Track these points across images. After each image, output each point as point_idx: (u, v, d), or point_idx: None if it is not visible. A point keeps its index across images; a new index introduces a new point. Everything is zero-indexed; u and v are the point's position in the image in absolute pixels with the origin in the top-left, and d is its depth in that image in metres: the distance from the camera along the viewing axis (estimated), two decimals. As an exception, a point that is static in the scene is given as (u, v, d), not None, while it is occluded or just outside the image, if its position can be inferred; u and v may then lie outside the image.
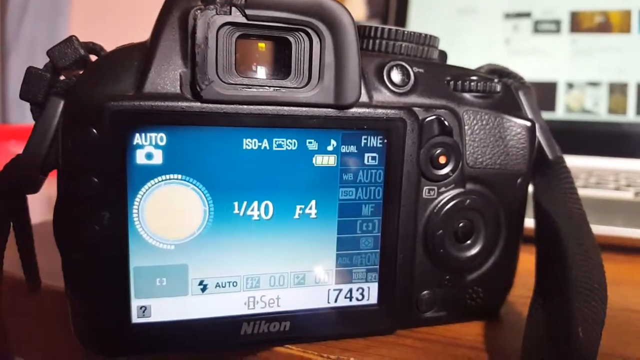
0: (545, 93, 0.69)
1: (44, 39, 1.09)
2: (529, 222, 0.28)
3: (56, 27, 1.11)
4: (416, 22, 0.71)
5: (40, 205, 0.26)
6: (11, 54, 1.08)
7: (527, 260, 0.29)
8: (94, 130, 0.21)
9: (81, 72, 0.23)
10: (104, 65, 0.22)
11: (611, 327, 0.22)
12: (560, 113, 0.69)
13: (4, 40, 1.09)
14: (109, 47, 0.25)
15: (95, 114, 0.21)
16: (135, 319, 0.23)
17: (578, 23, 0.69)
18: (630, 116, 0.66)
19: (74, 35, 0.23)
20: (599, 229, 0.25)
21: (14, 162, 0.23)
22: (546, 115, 0.29)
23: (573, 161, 0.29)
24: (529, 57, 0.70)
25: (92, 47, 0.24)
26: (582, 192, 0.28)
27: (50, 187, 0.25)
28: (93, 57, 0.24)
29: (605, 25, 0.68)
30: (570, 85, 0.69)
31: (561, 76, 0.69)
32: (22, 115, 1.07)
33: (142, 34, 0.23)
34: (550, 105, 0.68)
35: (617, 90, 0.67)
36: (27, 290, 0.26)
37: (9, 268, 0.25)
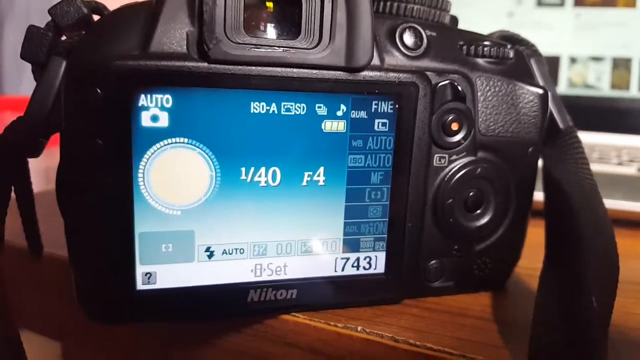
0: (548, 67, 0.68)
1: (38, 6, 1.07)
2: (537, 196, 0.28)
3: (51, -4, 1.09)
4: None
5: (38, 176, 0.25)
6: (5, 23, 1.06)
7: (534, 233, 0.28)
8: (98, 91, 0.20)
9: (84, 32, 0.22)
10: (108, 24, 0.22)
11: (617, 299, 0.22)
12: (562, 87, 0.68)
13: (-2, 8, 1.07)
14: (110, 6, 0.24)
15: (99, 74, 0.20)
16: (140, 285, 0.22)
17: (583, -3, 0.68)
18: (633, 92, 0.65)
19: (76, -7, 0.22)
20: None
21: (14, 125, 0.22)
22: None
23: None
24: (532, 30, 0.69)
25: (95, 6, 0.23)
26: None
27: (47, 158, 0.25)
28: (95, 17, 0.23)
29: (610, -1, 0.67)
30: (573, 60, 0.68)
31: (564, 50, 0.68)
32: (17, 87, 1.05)
33: None
34: (553, 80, 0.67)
35: (621, 65, 0.67)
36: (29, 259, 0.26)
37: (11, 237, 0.24)
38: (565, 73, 0.68)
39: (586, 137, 0.61)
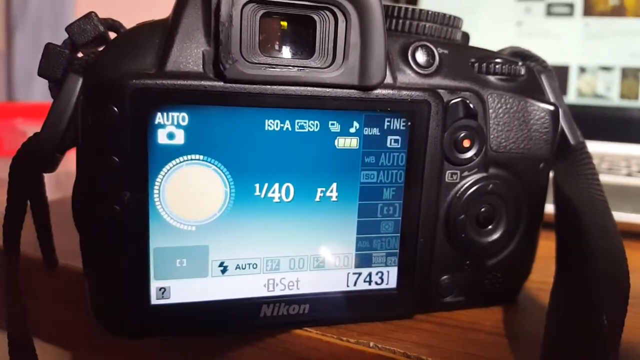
0: (557, 77, 0.68)
1: (49, 16, 1.08)
2: (547, 208, 0.28)
3: (62, 5, 1.10)
4: (427, 1, 0.70)
5: (48, 184, 0.26)
6: (17, 31, 1.07)
7: (544, 246, 0.28)
8: (115, 109, 0.20)
9: (100, 49, 0.22)
10: (124, 42, 0.22)
11: (627, 315, 0.22)
12: (571, 97, 0.68)
13: (10, 17, 1.08)
14: (126, 24, 0.24)
15: (116, 92, 0.20)
16: (154, 300, 0.22)
17: (592, 6, 0.68)
18: (642, 102, 0.65)
19: (93, 12, 0.22)
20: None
21: (31, 141, 0.23)
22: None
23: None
24: (540, 40, 0.69)
25: (112, 24, 0.23)
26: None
27: (60, 166, 0.25)
28: (112, 34, 0.23)
29: (619, 9, 0.67)
30: (582, 70, 0.68)
31: (573, 60, 0.68)
32: (28, 93, 1.06)
33: (151, 12, 0.23)
34: (562, 89, 0.67)
35: (630, 75, 0.67)
36: (44, 270, 0.26)
37: (26, 248, 0.24)
38: (574, 83, 0.68)
39: (595, 147, 0.61)
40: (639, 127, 0.65)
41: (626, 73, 0.67)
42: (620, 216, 0.41)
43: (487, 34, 0.69)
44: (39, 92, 1.05)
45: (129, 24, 0.24)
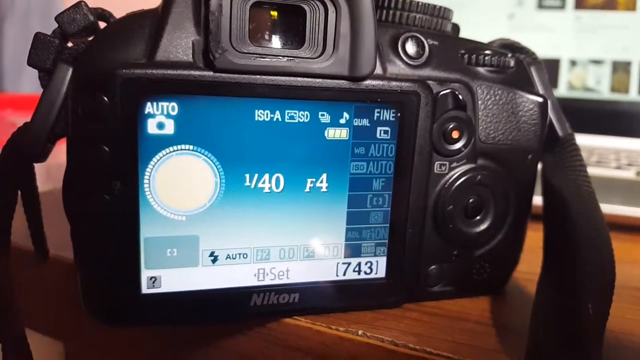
0: (548, 70, 0.69)
1: (39, 5, 1.07)
2: (536, 200, 0.28)
3: (52, -7, 1.09)
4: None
5: (39, 176, 0.26)
6: (6, 20, 1.06)
7: (532, 238, 0.29)
8: (105, 99, 0.20)
9: (90, 39, 0.22)
10: (114, 32, 0.22)
11: (613, 304, 0.22)
12: (562, 90, 0.68)
13: (-1, 6, 1.07)
14: (116, 14, 0.24)
15: (106, 82, 0.20)
16: (145, 289, 0.23)
17: (583, -1, 0.68)
18: (632, 95, 0.66)
19: (82, 1, 0.22)
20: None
21: (21, 130, 0.23)
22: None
23: (574, 139, 0.29)
24: (532, 33, 0.70)
25: (102, 14, 0.23)
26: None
27: (50, 157, 0.25)
28: (102, 24, 0.23)
29: (610, 2, 0.67)
30: (573, 63, 0.69)
31: (564, 53, 0.69)
32: (17, 84, 1.05)
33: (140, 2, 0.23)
34: (553, 83, 0.68)
35: (620, 68, 0.67)
36: (35, 261, 0.26)
37: (17, 239, 0.24)
38: (565, 76, 0.69)
39: (585, 140, 0.62)
40: (629, 120, 0.65)
41: (617, 67, 0.67)
42: (609, 208, 0.41)
43: (479, 26, 0.69)
44: (28, 83, 1.04)
45: (118, 13, 0.24)
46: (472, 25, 0.70)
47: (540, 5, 0.70)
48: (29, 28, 1.06)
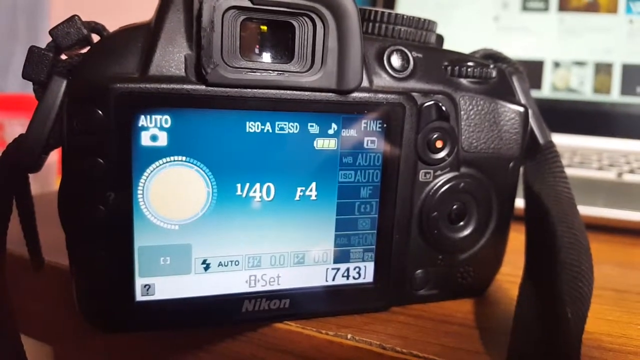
0: (532, 71, 0.70)
1: (25, 3, 1.07)
2: (519, 202, 0.29)
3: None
4: (407, -2, 0.71)
5: (35, 180, 0.26)
6: (-8, 20, 1.05)
7: (514, 239, 0.30)
8: (99, 112, 0.21)
9: (84, 52, 0.23)
10: (108, 45, 0.22)
11: (593, 305, 0.23)
12: (546, 91, 0.70)
13: (-16, 5, 1.06)
14: (109, 27, 0.25)
15: (100, 96, 0.21)
16: (139, 296, 0.23)
17: (566, 2, 0.69)
18: (614, 96, 0.67)
19: (76, 15, 0.23)
20: (581, 209, 0.26)
21: (16, 141, 0.23)
22: (532, 93, 0.30)
23: (557, 140, 0.30)
24: (517, 35, 0.71)
25: (95, 27, 0.24)
26: (566, 171, 0.29)
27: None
28: (95, 37, 0.24)
29: (593, 5, 0.69)
30: (556, 64, 0.70)
31: (548, 55, 0.70)
32: (3, 84, 1.05)
33: (128, 13, 0.23)
34: (537, 84, 0.69)
35: (603, 70, 0.68)
36: (30, 268, 0.26)
37: (12, 246, 0.25)
38: (548, 77, 0.70)
39: (568, 141, 0.63)
40: (611, 121, 0.67)
41: (599, 68, 0.68)
42: (592, 210, 0.42)
43: (464, 28, 0.70)
44: (14, 82, 1.03)
45: (111, 26, 0.24)
46: (459, 27, 0.71)
47: (525, 8, 0.71)
48: (14, 26, 1.06)
